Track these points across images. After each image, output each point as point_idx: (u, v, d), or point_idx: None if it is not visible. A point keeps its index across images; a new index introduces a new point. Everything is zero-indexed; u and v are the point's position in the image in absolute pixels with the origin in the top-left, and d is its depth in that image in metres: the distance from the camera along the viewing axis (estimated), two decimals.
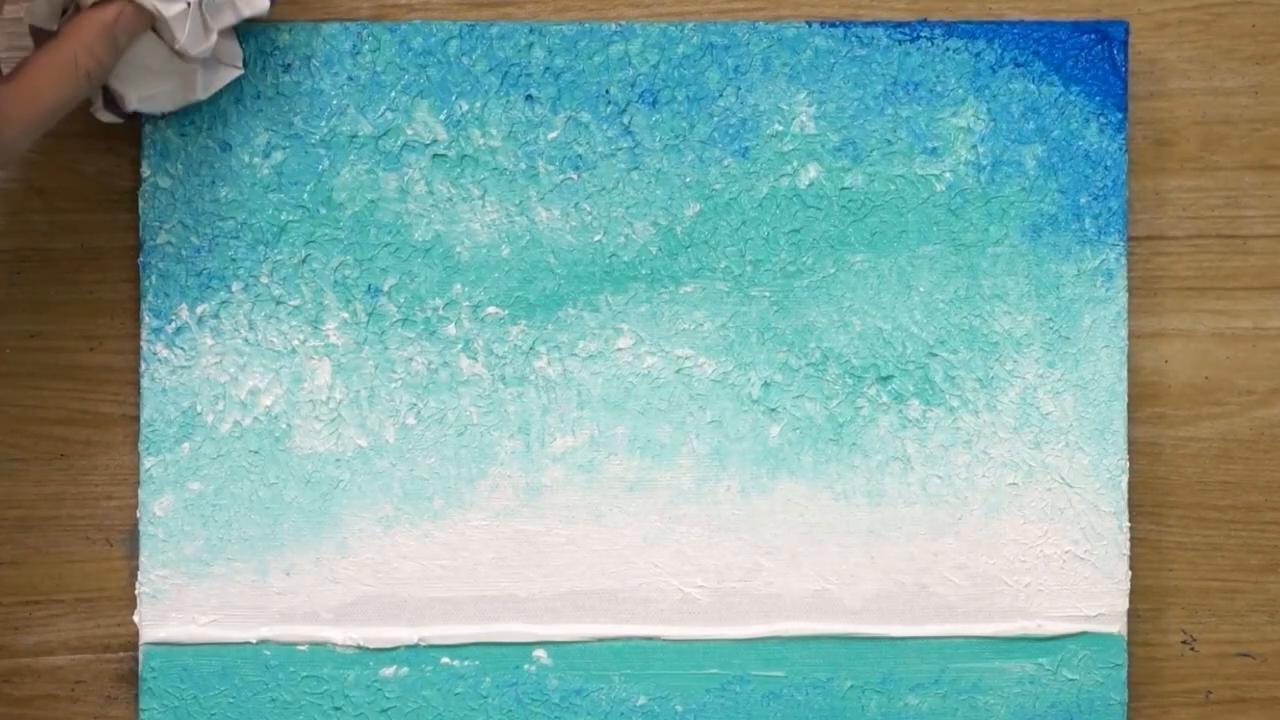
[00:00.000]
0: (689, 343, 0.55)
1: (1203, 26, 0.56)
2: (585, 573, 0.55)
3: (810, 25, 0.55)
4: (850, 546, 0.55)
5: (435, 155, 0.54)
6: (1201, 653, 0.57)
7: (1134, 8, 0.56)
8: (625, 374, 0.55)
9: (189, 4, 0.49)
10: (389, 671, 0.54)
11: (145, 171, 0.54)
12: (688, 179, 0.55)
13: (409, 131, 0.54)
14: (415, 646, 0.54)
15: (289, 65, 0.54)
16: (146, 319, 0.54)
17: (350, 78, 0.54)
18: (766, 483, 0.55)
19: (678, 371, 0.55)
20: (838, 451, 0.55)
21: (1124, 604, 0.55)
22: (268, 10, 0.51)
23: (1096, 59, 0.55)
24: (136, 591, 0.54)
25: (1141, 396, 0.56)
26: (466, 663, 0.55)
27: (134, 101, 0.51)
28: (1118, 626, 0.55)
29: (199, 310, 0.54)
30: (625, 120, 0.54)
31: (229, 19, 0.51)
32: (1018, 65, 0.55)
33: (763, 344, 0.55)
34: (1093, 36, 0.55)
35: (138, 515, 0.54)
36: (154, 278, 0.54)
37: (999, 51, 0.55)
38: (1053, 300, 0.55)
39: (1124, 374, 0.55)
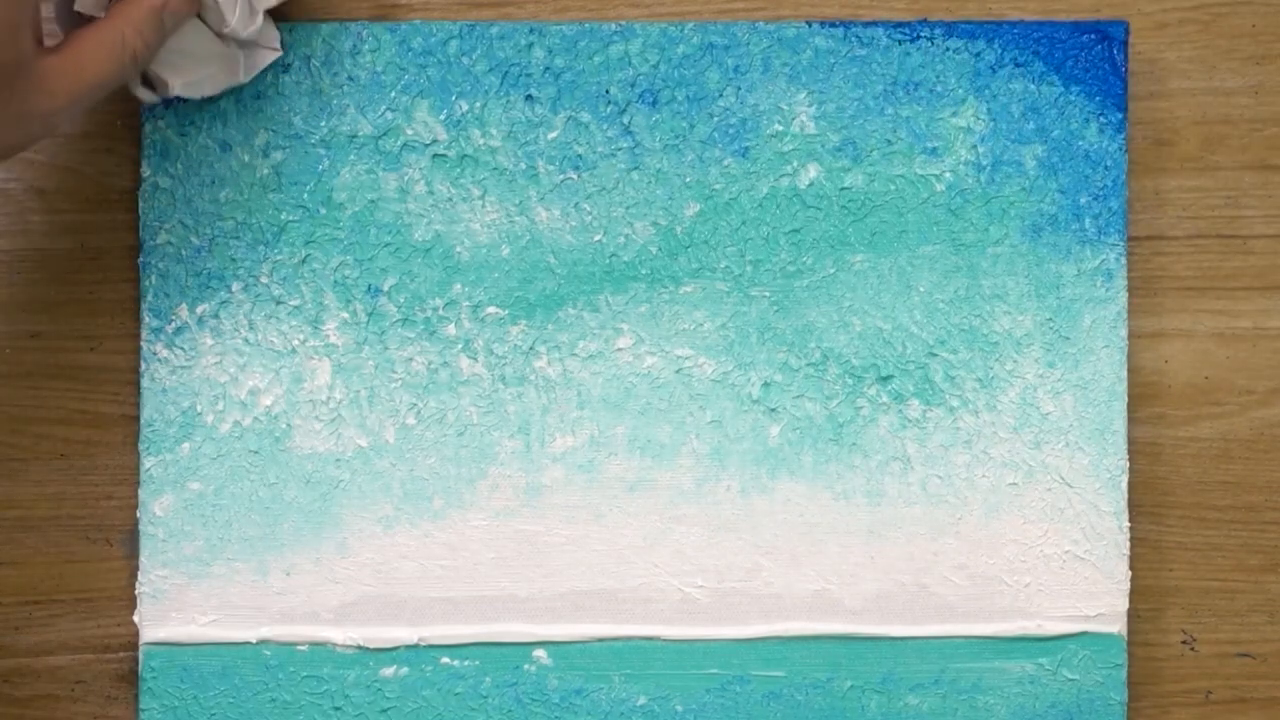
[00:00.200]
0: (689, 343, 0.55)
1: (1203, 26, 0.56)
2: (585, 573, 0.55)
3: (810, 25, 0.55)
4: (850, 546, 0.55)
5: (435, 155, 0.54)
6: (1201, 653, 0.57)
7: (1134, 8, 0.56)
8: (625, 374, 0.55)
9: None
10: (389, 671, 0.54)
11: (145, 171, 0.54)
12: (688, 179, 0.55)
13: (409, 131, 0.54)
14: (415, 646, 0.54)
15: (289, 65, 0.54)
16: (146, 319, 0.54)
17: (350, 78, 0.54)
18: (766, 483, 0.55)
19: (678, 371, 0.55)
20: (838, 451, 0.55)
21: (1124, 604, 0.55)
22: None
23: (1096, 59, 0.55)
24: (136, 591, 0.54)
25: (1141, 396, 0.56)
26: (466, 663, 0.55)
27: (177, 87, 0.51)
28: (1118, 626, 0.55)
29: (199, 310, 0.54)
30: (625, 120, 0.54)
31: None
32: (1018, 65, 0.55)
33: (763, 344, 0.55)
34: (1093, 36, 0.55)
35: (138, 515, 0.54)
36: (154, 278, 0.54)
37: (999, 51, 0.55)
38: (1053, 300, 0.55)
39: (1124, 374, 0.55)
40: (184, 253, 0.54)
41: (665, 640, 0.55)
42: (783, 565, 0.55)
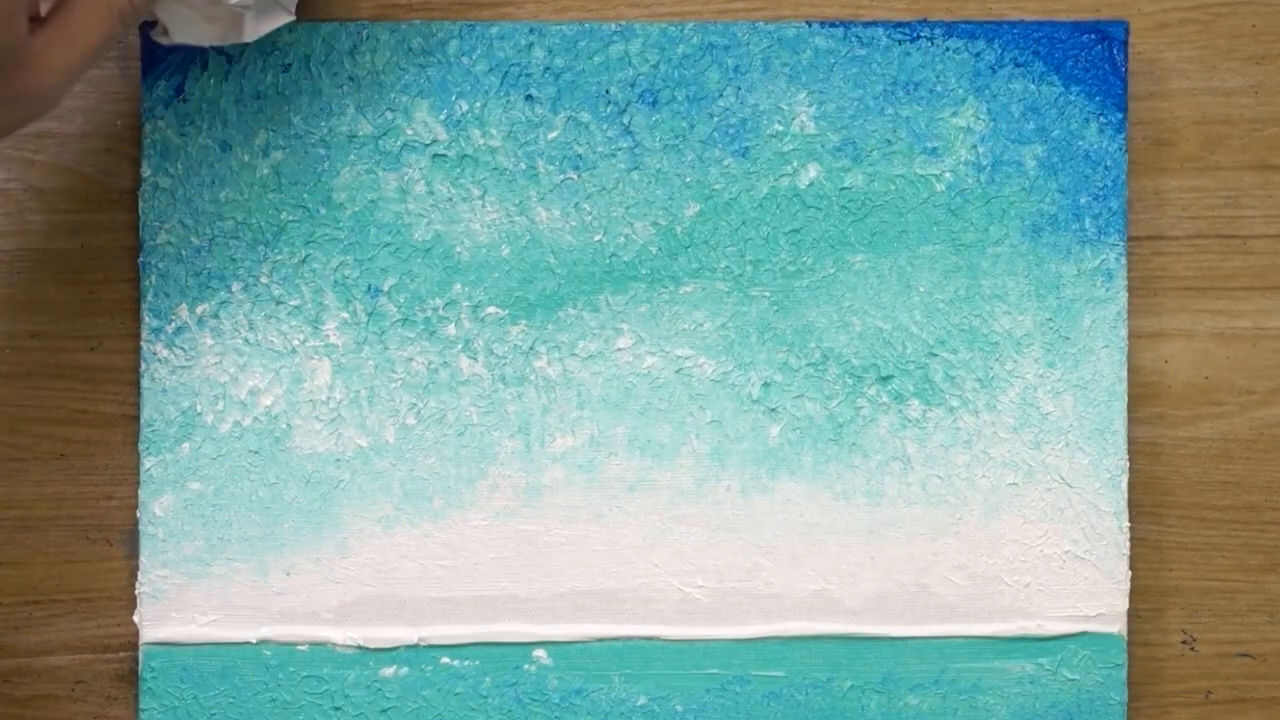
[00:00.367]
0: (689, 343, 0.55)
1: (1203, 26, 0.56)
2: (585, 573, 0.55)
3: (810, 25, 0.55)
4: (850, 546, 0.55)
5: (435, 155, 0.54)
6: (1201, 653, 0.57)
7: (1134, 8, 0.56)
8: (625, 374, 0.55)
9: None
10: (389, 671, 0.54)
11: (145, 171, 0.54)
12: (688, 179, 0.55)
13: (409, 131, 0.54)
14: (415, 646, 0.54)
15: (289, 65, 0.54)
16: (146, 319, 0.54)
17: (350, 78, 0.54)
18: (766, 483, 0.55)
19: (678, 371, 0.55)
20: (838, 451, 0.55)
21: (1124, 604, 0.55)
22: None
23: (1096, 59, 0.55)
24: (136, 591, 0.54)
25: (1141, 396, 0.56)
26: (466, 663, 0.54)
27: (179, 36, 0.50)
28: (1118, 626, 0.55)
29: (199, 310, 0.54)
30: (625, 120, 0.54)
31: None
32: (1018, 65, 0.55)
33: (763, 344, 0.55)
34: (1093, 36, 0.55)
35: (138, 515, 0.54)
36: (154, 278, 0.54)
37: (999, 51, 0.55)
38: (1053, 300, 0.55)
39: (1124, 374, 0.55)
40: (184, 253, 0.54)
41: (665, 640, 0.55)
42: (783, 565, 0.55)
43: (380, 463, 0.54)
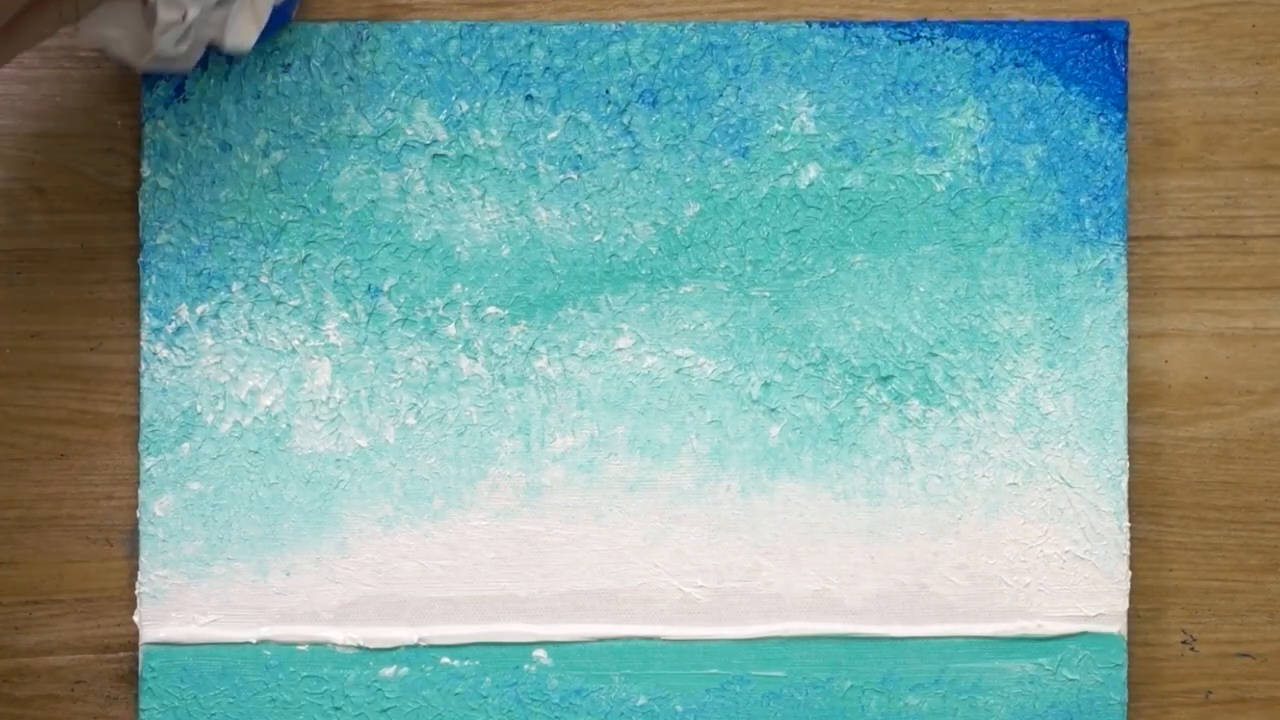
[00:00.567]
0: (689, 343, 0.55)
1: (1203, 26, 0.56)
2: (585, 573, 0.55)
3: (810, 25, 0.55)
4: (850, 546, 0.55)
5: (435, 155, 0.54)
6: (1201, 653, 0.57)
7: (1134, 8, 0.56)
8: (625, 374, 0.55)
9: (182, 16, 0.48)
10: (389, 671, 0.54)
11: (145, 171, 0.54)
12: (688, 179, 0.55)
13: (409, 131, 0.54)
14: (415, 646, 0.54)
15: (289, 65, 0.54)
16: (146, 319, 0.54)
17: (350, 78, 0.54)
18: (766, 483, 0.55)
19: (678, 371, 0.55)
20: (838, 451, 0.55)
21: (1124, 604, 0.55)
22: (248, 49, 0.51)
23: (1096, 59, 0.55)
24: (136, 591, 0.54)
25: (1141, 396, 0.56)
26: (466, 663, 0.54)
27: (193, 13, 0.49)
28: (1118, 626, 0.55)
29: (199, 310, 0.54)
30: (625, 120, 0.54)
31: (209, 35, 0.50)
32: (1018, 65, 0.55)
33: (763, 344, 0.55)
34: (1093, 36, 0.55)
35: (138, 515, 0.54)
36: (154, 278, 0.54)
37: (999, 51, 0.55)
38: (1053, 300, 0.55)
39: (1124, 374, 0.55)
40: (184, 253, 0.54)
41: (665, 640, 0.55)
42: (783, 565, 0.55)
43: (380, 463, 0.54)
